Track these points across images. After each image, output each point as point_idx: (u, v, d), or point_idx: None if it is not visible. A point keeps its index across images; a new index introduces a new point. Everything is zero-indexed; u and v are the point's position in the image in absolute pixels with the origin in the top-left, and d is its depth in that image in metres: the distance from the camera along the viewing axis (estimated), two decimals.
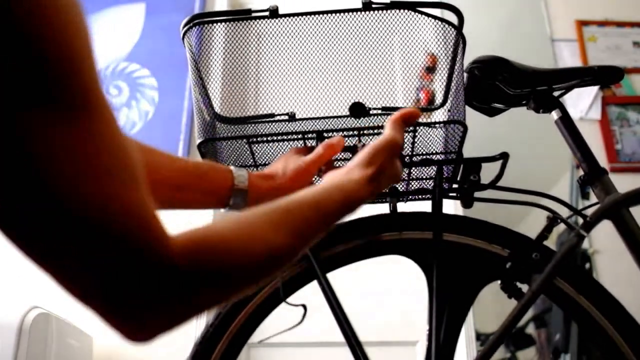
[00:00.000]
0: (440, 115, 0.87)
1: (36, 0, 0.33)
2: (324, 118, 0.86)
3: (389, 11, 0.82)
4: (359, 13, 0.83)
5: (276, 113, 0.86)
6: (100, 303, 0.38)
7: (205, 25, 0.84)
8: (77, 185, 0.34)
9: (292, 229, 0.49)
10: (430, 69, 0.92)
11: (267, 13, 0.82)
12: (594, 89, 2.44)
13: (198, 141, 0.86)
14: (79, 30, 0.35)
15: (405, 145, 0.85)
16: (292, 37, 0.84)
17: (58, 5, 0.34)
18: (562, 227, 0.96)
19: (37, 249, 0.35)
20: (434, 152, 0.90)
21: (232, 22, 0.82)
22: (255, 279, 0.47)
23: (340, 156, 0.87)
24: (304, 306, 0.85)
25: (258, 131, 0.87)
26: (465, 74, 0.96)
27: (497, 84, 0.96)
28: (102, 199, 0.34)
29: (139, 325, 0.39)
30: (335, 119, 0.86)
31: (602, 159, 1.96)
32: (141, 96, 2.45)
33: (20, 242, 0.35)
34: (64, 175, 0.33)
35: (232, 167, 0.76)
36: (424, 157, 0.90)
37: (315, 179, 0.87)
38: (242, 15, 0.80)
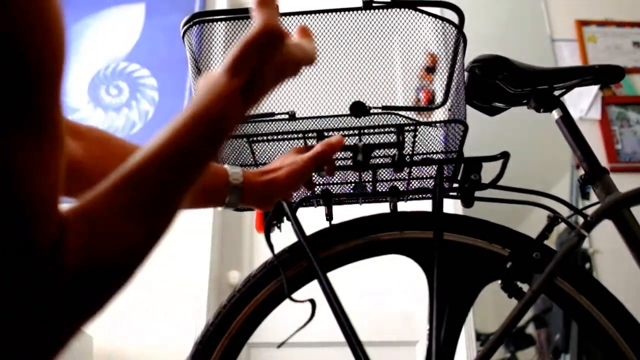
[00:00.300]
0: (440, 114, 0.87)
1: (21, 19, 0.34)
2: (324, 117, 0.86)
3: (389, 10, 0.82)
4: (359, 12, 0.83)
5: (276, 112, 0.86)
6: None
7: (205, 24, 0.84)
8: (30, 191, 0.34)
9: (147, 210, 0.40)
10: (430, 69, 0.92)
11: None
12: (594, 88, 2.44)
13: None
14: (60, 51, 0.36)
15: (406, 144, 0.85)
16: (292, 35, 0.84)
17: (43, 25, 0.35)
18: (562, 226, 0.96)
19: None
20: (435, 151, 0.90)
21: (232, 21, 0.82)
22: (129, 266, 0.40)
23: (341, 155, 0.87)
24: (312, 301, 0.84)
25: (258, 130, 0.87)
26: (465, 73, 0.96)
27: (498, 83, 0.96)
28: (23, 197, 0.35)
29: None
30: (336, 118, 0.86)
31: (602, 159, 1.96)
32: (141, 96, 2.45)
33: None
34: (26, 182, 0.34)
35: (226, 165, 0.75)
36: (425, 156, 0.90)
37: (314, 176, 0.86)
38: (242, 14, 0.80)
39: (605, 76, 0.97)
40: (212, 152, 0.46)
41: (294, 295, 0.87)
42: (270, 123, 0.89)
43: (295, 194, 0.92)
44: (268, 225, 0.88)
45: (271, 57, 0.49)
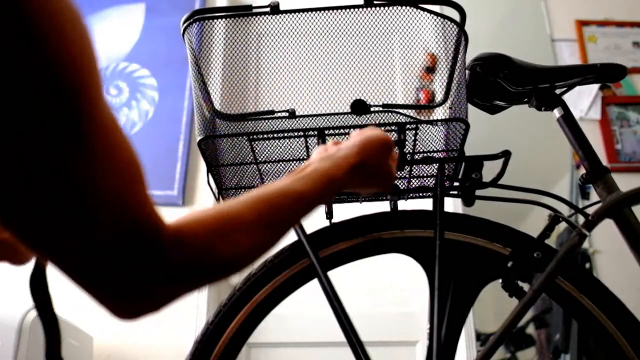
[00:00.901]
0: (441, 112, 0.87)
1: (58, 32, 0.35)
2: (324, 115, 0.86)
3: (390, 8, 0.82)
4: (360, 10, 0.83)
5: (276, 110, 0.86)
6: (97, 281, 0.41)
7: (206, 22, 0.83)
8: (103, 191, 0.39)
9: (272, 220, 0.51)
10: (430, 69, 0.91)
11: (267, 9, 0.82)
12: (594, 88, 2.44)
13: (198, 138, 0.86)
14: (94, 61, 0.39)
15: (407, 142, 0.85)
16: (293, 33, 0.84)
17: (75, 36, 0.37)
18: (562, 226, 0.96)
19: (49, 238, 0.39)
20: (436, 149, 0.90)
21: (232, 18, 0.81)
22: (235, 267, 0.48)
23: None
24: None
25: (259, 128, 0.87)
26: (466, 71, 0.95)
27: (499, 81, 0.95)
28: (120, 197, 0.40)
29: (126, 299, 0.43)
30: (336, 116, 0.86)
31: (602, 159, 1.96)
32: (141, 96, 2.45)
33: (32, 234, 0.39)
34: (94, 185, 0.38)
35: None
36: (426, 154, 0.90)
37: None
38: (242, 11, 0.80)
39: (606, 75, 0.97)
40: (320, 203, 0.58)
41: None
42: (270, 121, 0.88)
43: None
44: None
45: (385, 159, 0.66)
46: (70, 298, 1.16)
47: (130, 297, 0.43)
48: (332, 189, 0.59)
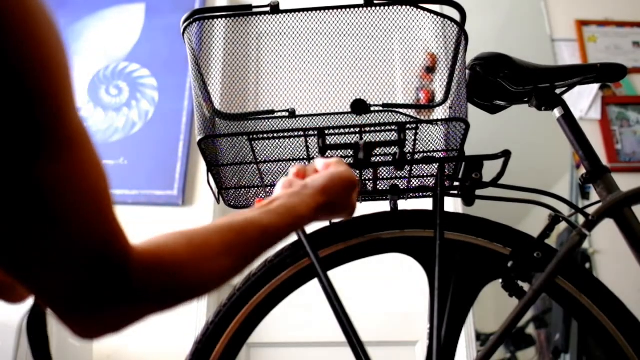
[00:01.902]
0: (441, 112, 0.87)
1: (25, 43, 0.34)
2: (324, 115, 0.86)
3: (390, 8, 0.82)
4: (360, 10, 0.83)
5: (276, 109, 0.86)
6: (61, 301, 0.41)
7: (206, 21, 0.83)
8: (71, 210, 0.38)
9: (241, 253, 0.52)
10: (430, 69, 0.91)
11: (268, 9, 0.82)
12: (594, 88, 2.44)
13: (198, 138, 0.86)
14: (65, 67, 0.37)
15: (407, 142, 0.85)
16: (293, 33, 0.84)
17: (46, 45, 0.35)
18: (562, 226, 0.96)
19: (17, 259, 0.38)
20: (436, 149, 0.89)
21: (232, 18, 0.81)
22: (198, 294, 0.49)
23: (342, 153, 0.87)
24: None
25: (259, 128, 0.87)
26: (467, 71, 0.95)
27: (499, 80, 0.95)
28: (88, 217, 0.39)
29: (89, 322, 0.42)
30: (336, 116, 0.86)
31: (602, 159, 1.96)
32: (141, 96, 2.45)
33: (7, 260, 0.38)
34: (62, 203, 0.37)
35: None
36: (426, 154, 0.90)
37: None
38: (242, 11, 0.80)
39: (607, 74, 0.97)
40: (286, 236, 0.60)
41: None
42: (270, 121, 0.88)
43: None
44: None
45: (348, 195, 0.67)
46: None
47: (92, 319, 0.42)
48: (298, 224, 0.61)
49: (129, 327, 0.44)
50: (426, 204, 0.91)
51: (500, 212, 0.99)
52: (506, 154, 0.87)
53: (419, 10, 0.82)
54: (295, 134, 0.85)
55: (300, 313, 1.98)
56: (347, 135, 0.84)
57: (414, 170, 0.91)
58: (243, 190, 0.94)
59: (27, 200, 0.36)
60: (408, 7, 0.82)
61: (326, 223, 0.90)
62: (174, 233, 0.48)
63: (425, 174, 0.92)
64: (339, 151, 0.84)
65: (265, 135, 0.85)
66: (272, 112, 0.86)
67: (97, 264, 0.40)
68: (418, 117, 0.97)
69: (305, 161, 0.88)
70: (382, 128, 0.85)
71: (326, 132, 0.83)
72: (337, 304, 0.85)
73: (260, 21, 0.84)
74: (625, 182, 0.97)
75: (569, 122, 0.97)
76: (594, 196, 0.95)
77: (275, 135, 0.85)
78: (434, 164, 0.89)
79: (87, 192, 0.39)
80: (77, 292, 0.40)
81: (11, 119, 0.33)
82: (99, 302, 0.41)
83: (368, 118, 0.92)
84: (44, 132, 0.35)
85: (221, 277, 0.50)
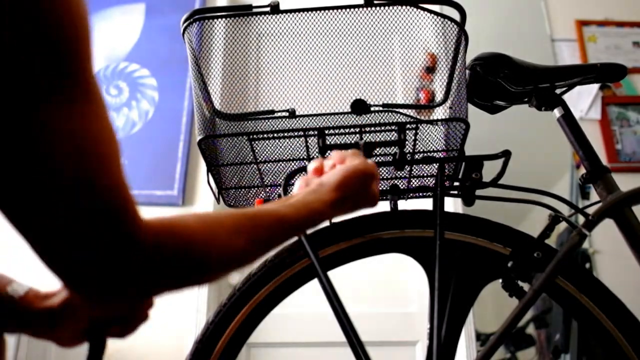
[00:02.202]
0: (441, 112, 0.87)
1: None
2: (324, 115, 0.86)
3: (390, 8, 0.82)
4: (360, 10, 0.83)
5: (276, 109, 0.86)
6: (69, 264, 0.40)
7: (206, 21, 0.83)
8: (80, 162, 0.38)
9: (253, 236, 0.52)
10: (430, 69, 0.91)
11: (268, 9, 0.82)
12: (594, 88, 2.44)
13: (198, 138, 0.86)
14: (85, 21, 0.39)
15: (407, 142, 0.85)
16: (293, 33, 0.84)
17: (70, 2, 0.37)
18: (562, 226, 0.96)
19: (29, 218, 0.38)
20: (436, 149, 0.89)
21: (232, 18, 0.81)
22: (210, 273, 0.49)
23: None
24: None
25: (259, 128, 0.87)
26: (467, 71, 0.95)
27: (499, 80, 0.95)
28: (97, 175, 0.39)
29: (97, 287, 0.42)
30: (336, 116, 0.86)
31: (602, 159, 1.96)
32: (141, 96, 2.44)
33: (12, 213, 0.38)
34: (71, 154, 0.37)
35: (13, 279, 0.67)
36: (426, 154, 0.90)
37: None
38: (242, 11, 0.80)
39: (607, 74, 0.97)
40: (303, 230, 0.62)
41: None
42: (270, 121, 0.88)
43: None
44: None
45: (365, 187, 0.66)
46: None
47: (103, 286, 0.42)
48: (315, 220, 0.62)
49: (140, 299, 0.44)
50: (426, 204, 0.91)
51: (500, 212, 0.99)
52: (506, 154, 0.87)
53: (419, 10, 0.82)
54: (295, 134, 0.85)
55: (300, 313, 1.98)
56: (347, 135, 0.84)
57: (414, 170, 0.91)
58: (243, 190, 0.94)
59: (30, 143, 0.36)
60: (408, 7, 0.82)
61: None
62: (186, 214, 0.48)
63: (425, 174, 0.92)
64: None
65: (265, 135, 0.85)
66: (272, 112, 0.86)
67: (106, 227, 0.39)
68: (418, 117, 0.97)
69: (305, 161, 0.88)
70: (382, 128, 0.85)
71: (326, 132, 0.83)
72: (337, 304, 0.85)
73: (260, 21, 0.84)
74: (625, 182, 0.97)
75: (569, 122, 0.97)
76: (594, 196, 0.95)
77: (275, 135, 0.85)
78: (434, 164, 0.89)
79: (96, 148, 0.39)
80: (86, 258, 0.39)
81: (40, 58, 0.36)
82: (109, 269, 0.40)
83: (368, 118, 0.92)
84: (67, 75, 0.37)
85: (231, 258, 0.50)
